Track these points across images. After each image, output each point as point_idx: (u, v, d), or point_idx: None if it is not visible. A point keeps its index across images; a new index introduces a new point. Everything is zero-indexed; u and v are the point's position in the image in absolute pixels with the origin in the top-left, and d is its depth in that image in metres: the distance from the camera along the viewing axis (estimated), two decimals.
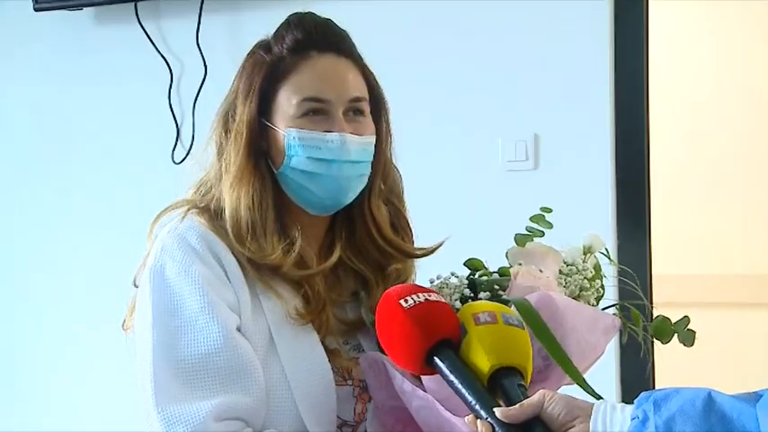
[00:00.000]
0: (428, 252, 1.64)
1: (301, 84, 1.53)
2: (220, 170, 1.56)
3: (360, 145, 1.54)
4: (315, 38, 1.54)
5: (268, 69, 1.54)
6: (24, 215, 3.23)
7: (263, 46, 1.58)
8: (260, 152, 1.55)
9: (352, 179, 1.55)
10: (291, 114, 1.53)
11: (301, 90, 1.53)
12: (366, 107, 1.57)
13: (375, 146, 1.58)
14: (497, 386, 1.22)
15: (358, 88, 1.56)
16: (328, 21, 1.58)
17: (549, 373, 1.42)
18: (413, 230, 1.67)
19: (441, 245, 1.64)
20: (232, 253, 1.50)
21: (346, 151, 1.52)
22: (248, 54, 1.59)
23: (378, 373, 1.47)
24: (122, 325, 1.58)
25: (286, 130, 1.52)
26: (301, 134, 1.52)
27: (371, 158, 1.57)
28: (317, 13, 1.59)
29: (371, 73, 1.60)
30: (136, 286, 1.54)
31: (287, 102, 1.53)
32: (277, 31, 1.57)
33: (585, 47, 2.65)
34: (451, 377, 1.24)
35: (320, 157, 1.52)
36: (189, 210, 1.55)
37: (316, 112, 1.52)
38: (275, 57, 1.55)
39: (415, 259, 1.67)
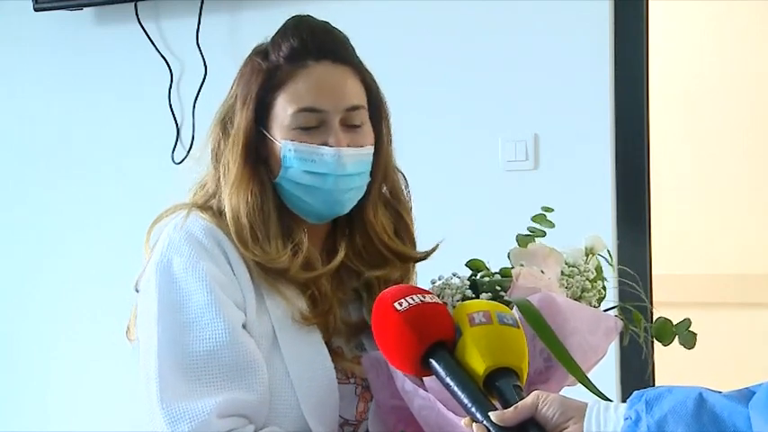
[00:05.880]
0: (425, 256, 1.64)
1: (297, 93, 1.51)
2: (217, 175, 1.55)
3: (356, 157, 1.52)
4: (311, 45, 1.52)
5: (265, 77, 1.52)
6: (23, 215, 3.23)
7: (261, 52, 1.55)
8: (258, 159, 1.54)
9: (348, 191, 1.53)
10: (287, 125, 1.51)
11: (297, 100, 1.50)
12: (364, 115, 1.55)
13: (374, 152, 1.56)
14: (493, 387, 1.22)
15: (355, 96, 1.53)
16: (326, 25, 1.56)
17: (551, 374, 1.42)
18: (414, 234, 1.66)
19: (436, 248, 1.64)
20: (238, 251, 1.50)
21: (341, 165, 1.50)
22: (246, 59, 1.57)
23: (379, 372, 1.47)
24: (126, 333, 1.57)
25: (282, 142, 1.51)
26: (297, 146, 1.50)
27: (369, 168, 1.56)
28: (317, 14, 1.56)
29: (371, 78, 1.58)
30: (137, 291, 1.53)
31: (283, 112, 1.51)
32: (274, 36, 1.55)
33: (585, 47, 2.64)
34: (447, 379, 1.23)
35: (315, 171, 1.50)
36: (192, 208, 1.54)
37: (311, 122, 1.50)
38: (272, 65, 1.53)
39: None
